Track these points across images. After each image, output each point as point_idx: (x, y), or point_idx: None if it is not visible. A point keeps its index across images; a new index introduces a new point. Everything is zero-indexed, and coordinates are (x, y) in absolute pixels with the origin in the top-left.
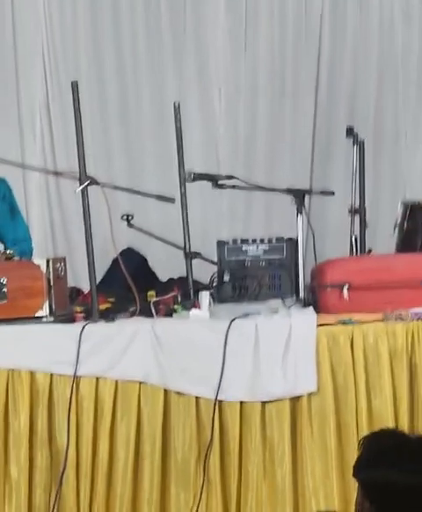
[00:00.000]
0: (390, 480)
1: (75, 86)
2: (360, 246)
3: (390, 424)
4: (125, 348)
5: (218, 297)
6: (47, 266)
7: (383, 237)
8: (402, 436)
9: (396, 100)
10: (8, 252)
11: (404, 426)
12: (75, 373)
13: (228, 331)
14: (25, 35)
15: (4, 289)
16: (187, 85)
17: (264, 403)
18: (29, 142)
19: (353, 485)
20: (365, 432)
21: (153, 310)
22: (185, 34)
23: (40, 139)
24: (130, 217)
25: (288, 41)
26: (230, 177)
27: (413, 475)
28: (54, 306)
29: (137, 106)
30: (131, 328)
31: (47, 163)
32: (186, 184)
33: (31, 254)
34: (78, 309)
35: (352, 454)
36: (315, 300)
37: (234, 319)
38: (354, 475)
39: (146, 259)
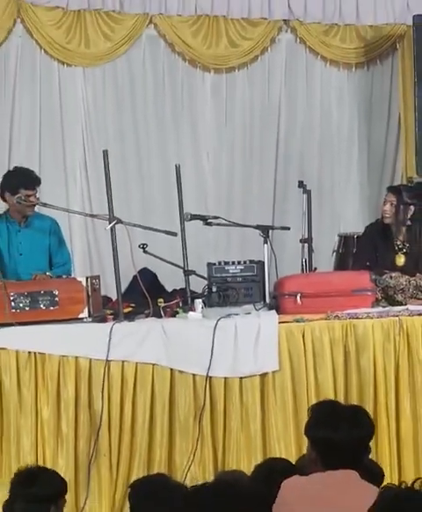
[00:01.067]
0: (329, 437)
1: (105, 153)
2: (308, 266)
3: (331, 393)
4: (142, 340)
5: (208, 303)
6: (87, 281)
7: (325, 259)
8: (338, 405)
9: (332, 162)
10: (47, 274)
11: (341, 394)
12: (107, 358)
13: (215, 327)
14: (70, 115)
15: (56, 298)
16: (184, 151)
17: (241, 378)
18: (72, 193)
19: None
20: (313, 398)
21: (162, 313)
22: (182, 115)
23: (80, 191)
24: (145, 246)
25: (256, 120)
26: (216, 217)
27: (345, 433)
28: (91, 310)
29: (148, 167)
30: (146, 325)
31: (85, 208)
32: (185, 222)
33: (70, 273)
34: (108, 312)
35: (303, 413)
36: (277, 305)
37: (219, 319)
38: (305, 433)
39: (156, 276)
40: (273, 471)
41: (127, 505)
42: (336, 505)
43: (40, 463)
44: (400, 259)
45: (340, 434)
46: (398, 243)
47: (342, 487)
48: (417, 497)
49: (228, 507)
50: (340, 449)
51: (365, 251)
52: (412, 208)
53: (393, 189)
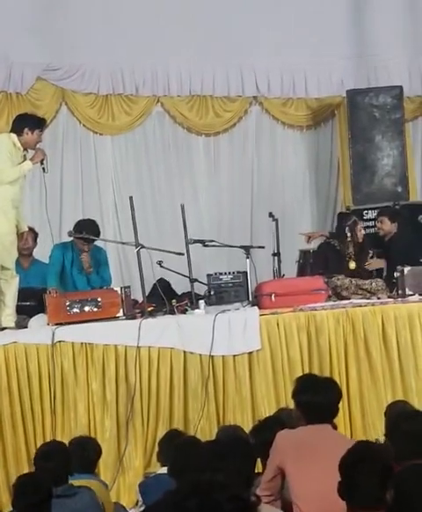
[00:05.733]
0: (310, 400)
1: (131, 199)
2: (278, 273)
3: (299, 365)
4: (162, 331)
5: (208, 302)
6: (121, 290)
7: (289, 268)
8: (316, 377)
9: (291, 198)
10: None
11: (306, 365)
12: (137, 345)
13: (215, 319)
14: (102, 171)
15: (99, 303)
16: (186, 194)
17: (234, 356)
18: (107, 228)
19: (281, 396)
20: (286, 369)
21: (175, 310)
22: (184, 168)
23: (112, 226)
24: (161, 262)
25: (236, 170)
26: (211, 240)
27: (322, 397)
28: (125, 311)
29: (161, 206)
30: (165, 320)
31: (117, 237)
32: (188, 245)
33: (110, 284)
34: (137, 311)
35: (281, 381)
36: (257, 302)
37: (217, 314)
38: (292, 397)
39: (170, 283)
40: (269, 426)
41: (156, 451)
42: (316, 449)
43: (92, 423)
44: (352, 265)
45: (318, 398)
46: (348, 252)
47: (320, 436)
48: (382, 447)
49: (236, 453)
50: (318, 409)
51: (319, 261)
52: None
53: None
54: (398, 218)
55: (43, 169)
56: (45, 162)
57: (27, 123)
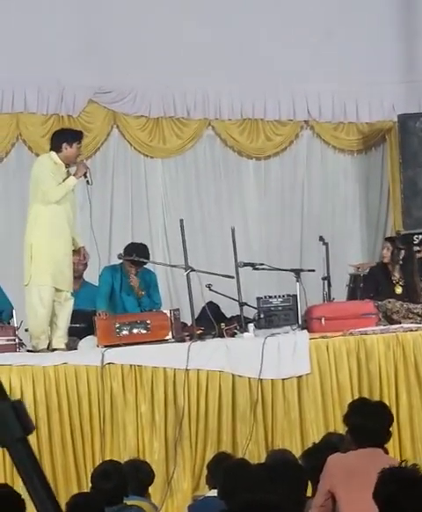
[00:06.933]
0: (362, 424)
1: (181, 222)
2: (328, 297)
3: (348, 390)
4: (211, 353)
5: (258, 326)
6: (170, 313)
7: (339, 291)
8: (368, 401)
9: (341, 222)
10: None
11: (356, 390)
12: (186, 367)
13: (264, 343)
14: (152, 194)
15: (149, 326)
16: (236, 217)
17: (283, 379)
18: (157, 249)
19: (330, 420)
20: (336, 394)
21: (224, 334)
22: (234, 191)
23: (162, 249)
24: (211, 285)
25: (286, 193)
26: (261, 264)
27: (373, 421)
28: (174, 333)
29: (211, 229)
30: (214, 343)
31: (166, 260)
32: (238, 268)
33: (160, 307)
34: (186, 334)
35: (330, 405)
36: (307, 326)
37: (266, 337)
38: (344, 421)
39: (219, 306)
40: (321, 450)
41: (204, 473)
42: (367, 473)
43: (140, 445)
44: (398, 290)
45: (369, 421)
46: (395, 278)
47: (371, 460)
48: (405, 474)
49: (285, 476)
50: (369, 433)
51: (369, 285)
52: (403, 251)
53: (389, 239)
54: None
55: (87, 182)
56: (88, 175)
57: (65, 138)
